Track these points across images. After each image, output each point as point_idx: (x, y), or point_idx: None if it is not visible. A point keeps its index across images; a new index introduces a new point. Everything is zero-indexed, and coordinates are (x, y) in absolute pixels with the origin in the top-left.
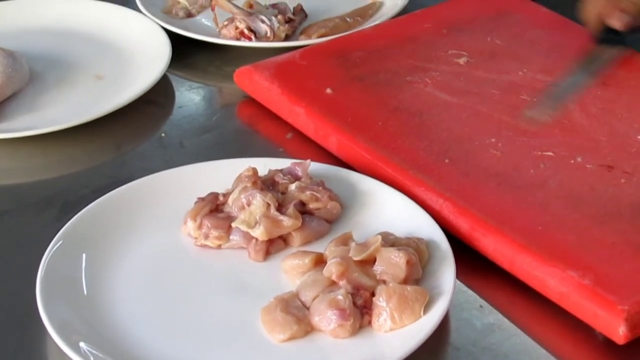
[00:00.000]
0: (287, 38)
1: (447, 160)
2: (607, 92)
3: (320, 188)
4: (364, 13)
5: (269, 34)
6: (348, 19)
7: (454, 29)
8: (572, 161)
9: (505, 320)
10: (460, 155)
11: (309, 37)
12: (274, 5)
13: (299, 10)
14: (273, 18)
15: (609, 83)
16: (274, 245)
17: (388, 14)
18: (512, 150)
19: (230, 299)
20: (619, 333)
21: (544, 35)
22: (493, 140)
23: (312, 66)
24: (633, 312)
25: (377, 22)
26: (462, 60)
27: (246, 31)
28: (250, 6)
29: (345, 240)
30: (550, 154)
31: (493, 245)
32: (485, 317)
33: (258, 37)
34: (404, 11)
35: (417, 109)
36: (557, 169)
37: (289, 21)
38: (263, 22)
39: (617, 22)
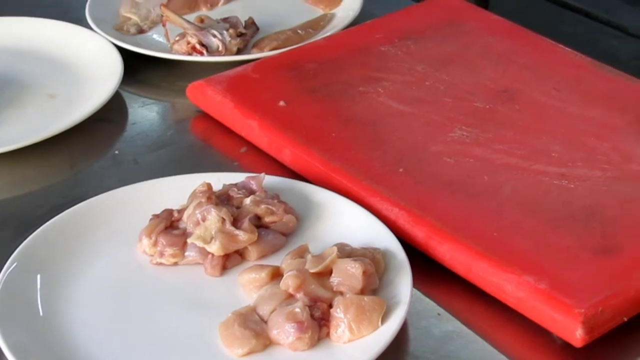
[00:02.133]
0: (239, 52)
1: (401, 170)
2: (558, 97)
3: (276, 201)
4: (316, 25)
5: (220, 48)
6: (300, 31)
7: (405, 39)
8: (526, 167)
9: (464, 327)
10: (415, 164)
11: (261, 50)
12: (225, 19)
13: (251, 24)
14: (224, 32)
15: (560, 88)
16: (230, 260)
17: (340, 25)
18: (465, 158)
19: (188, 315)
20: (577, 336)
21: (496, 42)
22: (447, 148)
23: (265, 79)
24: (590, 315)
25: (329, 34)
26: (414, 70)
27: (198, 46)
28: (202, 21)
29: (302, 252)
30: (503, 160)
31: (449, 253)
32: (444, 324)
33: (210, 51)
34: (355, 22)
35: (371, 119)
36: (511, 175)
37: (240, 35)
38: (215, 36)
39: None
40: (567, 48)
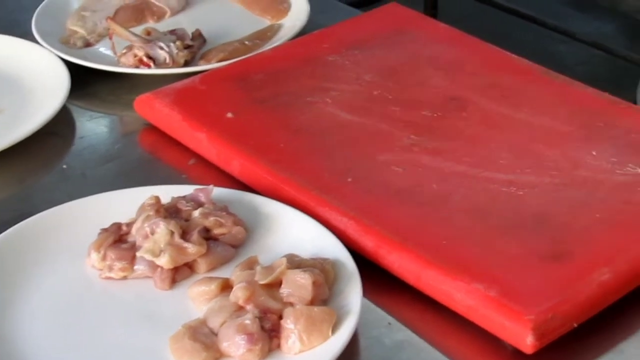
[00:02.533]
0: (186, 64)
1: (350, 179)
2: (506, 104)
3: (224, 213)
4: (263, 35)
5: (168, 60)
6: (247, 42)
7: (353, 48)
8: (475, 175)
9: (415, 336)
10: (363, 173)
11: (209, 62)
12: (172, 32)
13: (198, 36)
14: (171, 44)
15: (508, 95)
16: (180, 272)
17: (287, 35)
18: (414, 167)
19: (138, 329)
20: (527, 343)
21: (443, 50)
22: (395, 157)
23: (212, 91)
24: (540, 321)
25: (276, 44)
26: (362, 79)
27: (145, 58)
28: (149, 33)
29: (251, 264)
30: (452, 168)
31: (399, 262)
32: (394, 334)
33: (157, 64)
34: (302, 32)
35: (319, 129)
36: (459, 183)
37: (187, 47)
38: (162, 48)
39: None
40: (514, 55)
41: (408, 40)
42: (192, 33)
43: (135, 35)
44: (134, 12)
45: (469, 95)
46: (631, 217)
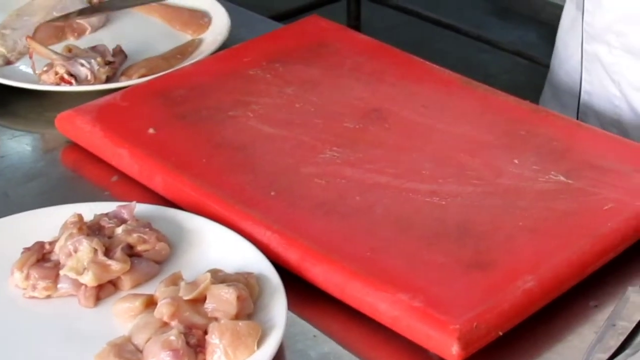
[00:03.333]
0: (108, 80)
1: (273, 193)
2: (428, 114)
3: (148, 229)
4: (184, 51)
5: (89, 77)
6: (168, 58)
7: (274, 61)
8: (397, 185)
9: (340, 348)
10: (286, 186)
11: (130, 78)
12: (93, 48)
13: (119, 52)
14: (92, 61)
15: (430, 105)
16: (104, 290)
17: (208, 50)
18: (337, 179)
19: (63, 348)
20: (452, 352)
21: (364, 62)
22: (318, 169)
23: (134, 107)
24: (465, 331)
25: (197, 59)
26: (283, 92)
27: (66, 76)
28: (70, 50)
29: (175, 280)
30: (375, 179)
31: (323, 274)
32: (320, 346)
33: (79, 81)
34: (223, 46)
35: (241, 143)
36: (382, 194)
37: (108, 63)
38: (83, 65)
39: None
40: (435, 65)
41: (329, 52)
42: (113, 49)
43: (56, 53)
44: (55, 29)
45: (390, 106)
46: (554, 224)
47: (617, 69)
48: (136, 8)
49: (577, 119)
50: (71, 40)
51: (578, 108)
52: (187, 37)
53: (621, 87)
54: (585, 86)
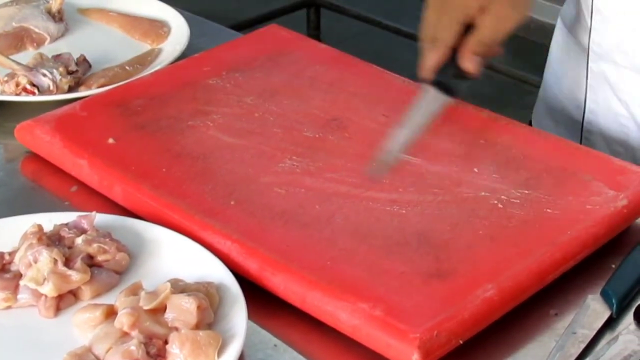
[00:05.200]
0: (71, 89)
1: (232, 202)
2: (387, 124)
3: (108, 240)
4: (143, 60)
5: (52, 87)
6: (128, 67)
7: (233, 71)
8: (357, 194)
9: (301, 357)
10: (246, 196)
11: (89, 88)
12: (57, 57)
13: (82, 61)
14: (55, 71)
15: (389, 114)
16: (64, 300)
17: (167, 59)
18: (296, 188)
19: (23, 359)
20: None
21: (324, 71)
22: (277, 179)
23: (93, 117)
24: (425, 339)
25: (156, 69)
26: (243, 102)
27: (29, 86)
28: (41, 58)
29: (135, 290)
30: (335, 189)
31: (283, 284)
32: (280, 355)
33: (41, 91)
34: (183, 56)
35: (201, 153)
36: (342, 204)
37: (71, 73)
38: (45, 75)
39: (468, 64)
40: (395, 74)
41: (289, 61)
42: (77, 58)
43: (18, 63)
44: (14, 39)
45: (350, 115)
46: (514, 233)
47: (624, 88)
48: (96, 18)
49: (581, 137)
50: (30, 51)
51: (582, 126)
52: (146, 46)
53: (628, 106)
54: (590, 105)
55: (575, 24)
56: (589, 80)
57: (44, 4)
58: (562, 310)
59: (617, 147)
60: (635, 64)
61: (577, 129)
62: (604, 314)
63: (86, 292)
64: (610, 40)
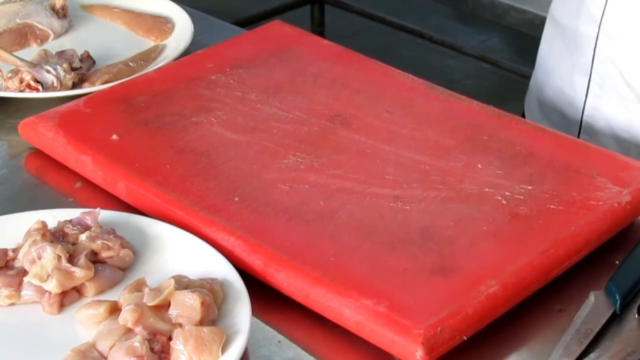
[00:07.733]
0: (74, 86)
1: (236, 199)
2: (391, 120)
3: (111, 236)
4: (147, 57)
5: (55, 83)
6: (131, 64)
7: (237, 67)
8: (361, 191)
9: (305, 353)
10: (250, 192)
11: (93, 84)
12: (61, 53)
13: (86, 57)
14: (58, 67)
15: (393, 110)
16: (68, 296)
17: (171, 56)
18: (300, 184)
19: (27, 356)
20: (417, 357)
21: (328, 67)
22: (281, 175)
23: (97, 113)
24: (429, 335)
25: (160, 65)
26: (246, 98)
27: (32, 83)
28: (46, 54)
29: (139, 286)
30: (338, 185)
31: (287, 280)
32: (285, 352)
33: (45, 87)
34: (186, 52)
35: (204, 149)
36: (346, 200)
37: (75, 69)
38: (49, 72)
39: None
40: (399, 70)
41: (292, 57)
42: (81, 55)
43: (21, 59)
44: (17, 35)
45: (353, 111)
46: (517, 229)
47: (633, 71)
48: (99, 14)
49: (580, 129)
50: (34, 47)
51: (582, 117)
52: (150, 43)
53: (636, 89)
54: (594, 89)
55: (577, 15)
56: (594, 64)
57: (48, 0)
58: (566, 307)
59: (622, 132)
60: None
61: (570, 122)
62: (608, 310)
63: (90, 289)
64: (622, 45)
